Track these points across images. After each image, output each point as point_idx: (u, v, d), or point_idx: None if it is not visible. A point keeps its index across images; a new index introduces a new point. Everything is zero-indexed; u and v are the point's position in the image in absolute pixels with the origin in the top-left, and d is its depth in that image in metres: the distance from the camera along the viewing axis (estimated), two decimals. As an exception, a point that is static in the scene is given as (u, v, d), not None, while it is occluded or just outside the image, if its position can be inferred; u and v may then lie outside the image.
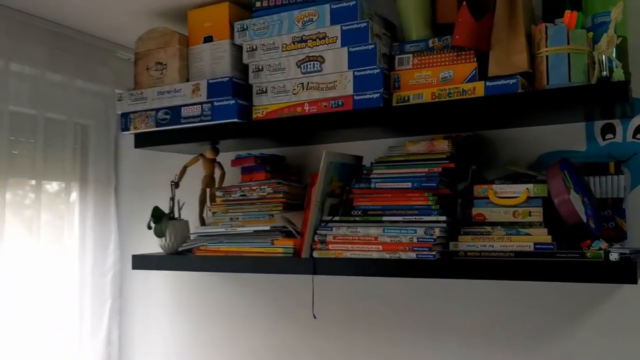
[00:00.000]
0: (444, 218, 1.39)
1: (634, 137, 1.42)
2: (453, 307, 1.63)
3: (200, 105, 1.64)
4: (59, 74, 1.91)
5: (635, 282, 1.17)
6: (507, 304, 1.56)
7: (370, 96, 1.45)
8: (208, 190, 1.84)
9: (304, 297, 1.83)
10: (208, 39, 1.70)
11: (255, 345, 1.93)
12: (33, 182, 1.88)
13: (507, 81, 1.32)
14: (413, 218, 1.42)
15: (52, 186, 2.01)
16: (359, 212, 1.50)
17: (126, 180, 2.21)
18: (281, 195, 1.65)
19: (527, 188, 1.36)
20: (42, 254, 1.90)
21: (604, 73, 1.23)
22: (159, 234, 1.73)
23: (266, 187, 1.68)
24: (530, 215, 1.35)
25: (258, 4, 1.64)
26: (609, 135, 1.45)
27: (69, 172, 1.98)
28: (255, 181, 1.73)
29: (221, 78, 1.62)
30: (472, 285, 1.60)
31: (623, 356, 1.42)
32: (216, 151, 1.81)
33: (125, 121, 1.77)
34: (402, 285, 1.70)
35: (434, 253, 1.35)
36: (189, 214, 1.86)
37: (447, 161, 1.45)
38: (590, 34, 1.31)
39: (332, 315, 1.80)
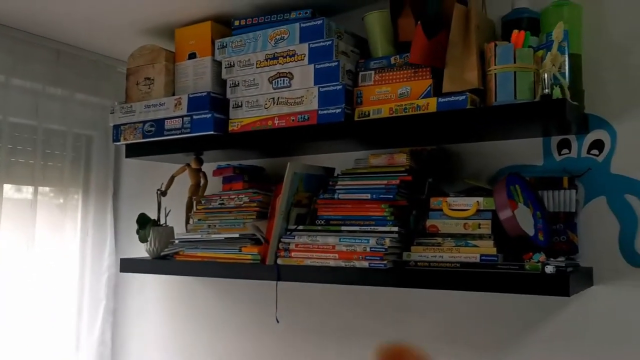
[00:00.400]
0: (396, 229, 1.44)
1: (588, 152, 1.44)
2: (413, 315, 1.66)
3: (181, 119, 1.74)
4: (60, 88, 2.04)
5: (568, 295, 1.19)
6: (471, 313, 1.59)
7: (332, 111, 1.52)
8: (194, 198, 1.93)
9: (281, 302, 1.90)
10: (192, 56, 1.80)
11: (235, 347, 2.01)
12: (44, 188, 2.03)
13: (457, 97, 1.37)
14: (369, 228, 1.48)
15: (58, 192, 2.14)
16: (322, 222, 1.56)
17: (126, 188, 2.33)
18: (255, 204, 1.72)
19: (478, 201, 1.40)
20: (47, 257, 2.05)
21: (546, 91, 1.27)
22: (142, 239, 1.83)
23: (243, 196, 1.76)
24: (479, 228, 1.39)
25: (237, 23, 1.74)
26: (565, 151, 1.48)
27: (68, 179, 2.11)
28: (234, 190, 1.81)
29: (200, 93, 1.72)
30: (433, 295, 1.63)
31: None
32: (200, 161, 1.90)
33: (116, 132, 1.89)
34: (366, 292, 1.74)
35: (384, 262, 1.40)
36: (180, 220, 1.96)
37: (406, 174, 1.50)
38: (541, 52, 1.35)
39: (304, 319, 1.86)
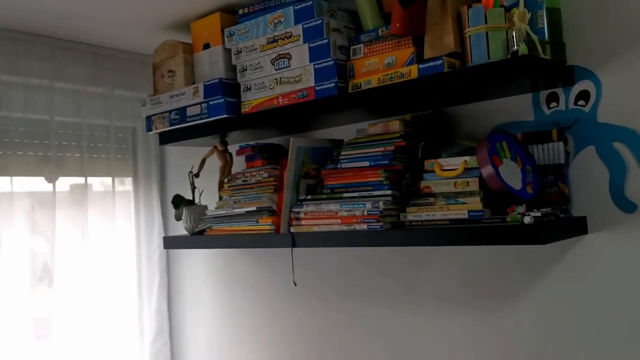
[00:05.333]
0: (389, 192, 1.52)
1: (575, 103, 1.46)
2: (422, 271, 1.74)
3: (199, 105, 1.89)
4: (100, 87, 2.25)
5: (543, 243, 1.24)
6: (478, 265, 1.64)
7: (327, 86, 1.62)
8: (221, 177, 2.09)
9: (307, 268, 2.03)
10: (206, 46, 1.94)
11: (271, 311, 2.17)
12: (103, 179, 2.28)
13: (435, 62, 1.43)
14: (367, 193, 1.57)
15: (112, 181, 2.36)
16: (328, 191, 1.67)
17: (172, 173, 2.53)
18: (272, 178, 1.85)
19: (465, 160, 1.45)
20: (107, 240, 2.29)
21: (515, 48, 1.30)
22: (177, 217, 2.02)
23: (263, 172, 1.89)
24: (468, 185, 1.45)
25: (241, 12, 1.85)
26: (553, 104, 1.49)
27: (115, 168, 2.33)
28: (255, 168, 1.95)
29: (213, 80, 1.86)
30: (440, 251, 1.70)
31: (582, 311, 1.47)
32: (225, 143, 2.05)
33: (148, 123, 2.07)
34: (375, 252, 1.82)
35: (381, 224, 1.50)
36: (215, 198, 2.12)
37: (400, 139, 1.58)
38: (515, 10, 1.38)
39: (326, 282, 1.98)
